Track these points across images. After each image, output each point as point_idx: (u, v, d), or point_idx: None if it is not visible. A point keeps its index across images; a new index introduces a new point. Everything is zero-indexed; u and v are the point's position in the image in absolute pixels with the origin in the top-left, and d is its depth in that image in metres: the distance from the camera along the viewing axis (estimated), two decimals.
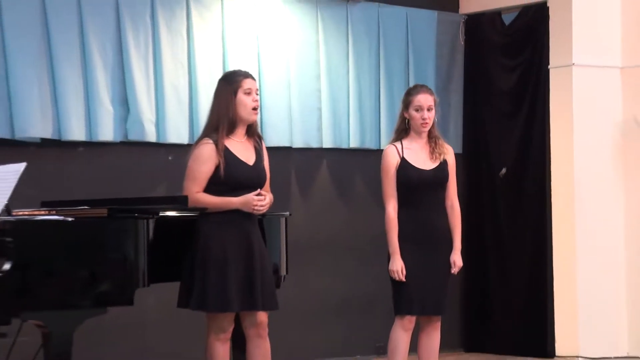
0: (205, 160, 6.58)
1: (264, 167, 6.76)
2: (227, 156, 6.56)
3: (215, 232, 6.56)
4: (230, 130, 6.64)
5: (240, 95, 6.65)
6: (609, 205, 10.26)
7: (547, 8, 10.45)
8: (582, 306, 10.14)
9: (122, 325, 8.59)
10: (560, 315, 10.27)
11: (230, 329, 6.68)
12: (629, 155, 10.26)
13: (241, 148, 6.67)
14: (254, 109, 6.69)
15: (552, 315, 10.31)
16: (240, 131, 6.70)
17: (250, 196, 6.53)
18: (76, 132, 8.95)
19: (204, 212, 6.59)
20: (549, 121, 10.43)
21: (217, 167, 6.54)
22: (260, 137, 6.85)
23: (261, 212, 6.65)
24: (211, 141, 6.59)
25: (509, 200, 10.73)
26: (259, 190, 6.57)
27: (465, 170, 10.94)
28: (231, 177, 6.55)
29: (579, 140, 10.23)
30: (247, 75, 6.76)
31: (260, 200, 6.54)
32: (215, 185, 6.57)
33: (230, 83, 6.71)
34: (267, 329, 6.77)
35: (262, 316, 6.70)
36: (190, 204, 6.59)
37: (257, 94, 6.73)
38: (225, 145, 6.57)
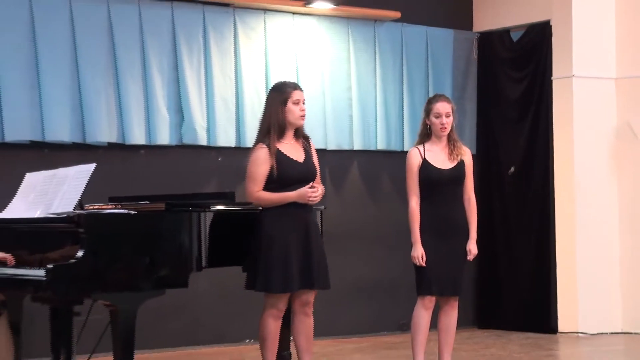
0: (261, 162, 6.61)
1: (313, 163, 6.78)
2: (280, 157, 6.60)
3: (276, 223, 6.58)
4: (281, 134, 6.67)
5: (290, 105, 6.67)
6: (605, 199, 10.22)
7: (550, 26, 10.41)
8: (581, 288, 10.11)
9: (178, 305, 8.69)
10: (562, 296, 10.23)
11: (285, 308, 6.70)
12: (623, 155, 10.22)
13: (291, 149, 6.70)
14: (302, 116, 6.74)
15: (554, 296, 10.27)
16: (289, 134, 6.73)
17: (305, 189, 6.55)
18: (138, 137, 9.06)
19: (264, 207, 6.63)
20: (552, 125, 10.38)
21: (272, 167, 6.58)
22: (307, 139, 6.88)
23: (315, 202, 6.65)
24: (265, 145, 6.62)
25: (516, 194, 10.71)
26: (311, 183, 6.61)
27: (478, 168, 10.86)
28: (285, 174, 6.58)
29: (579, 142, 10.19)
30: (296, 87, 6.79)
31: (314, 191, 6.56)
32: (272, 183, 6.60)
33: (281, 93, 6.73)
34: (312, 308, 6.80)
35: (310, 296, 6.74)
36: (253, 202, 6.65)
37: (304, 103, 6.77)
38: (277, 148, 6.62)
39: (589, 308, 10.12)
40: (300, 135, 6.81)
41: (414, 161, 7.10)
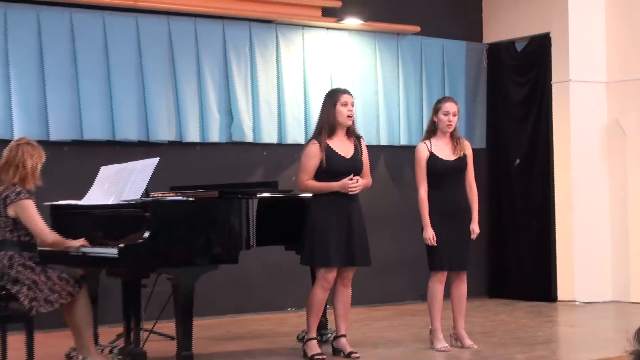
0: (312, 156, 6.67)
1: (360, 159, 6.79)
2: (329, 152, 6.65)
3: (321, 208, 6.65)
4: (331, 132, 6.72)
5: (338, 106, 6.73)
6: (597, 185, 10.17)
7: (550, 38, 10.37)
8: (577, 262, 10.08)
9: (230, 278, 8.72)
10: (560, 270, 10.20)
11: (333, 280, 6.73)
12: (613, 148, 10.17)
13: (341, 145, 6.74)
14: (349, 116, 6.76)
15: (554, 270, 10.25)
16: (340, 132, 6.77)
17: (345, 180, 6.60)
18: (193, 135, 9.12)
19: (314, 194, 6.68)
20: (551, 123, 10.35)
21: (321, 160, 6.63)
22: (359, 137, 6.90)
23: (355, 192, 6.67)
24: (316, 142, 6.69)
25: (521, 183, 10.67)
26: (352, 175, 6.64)
27: (488, 161, 10.97)
28: (331, 166, 6.63)
29: (575, 137, 10.16)
30: (345, 91, 6.83)
31: (353, 183, 6.61)
32: (322, 173, 6.65)
33: (332, 97, 6.80)
34: (350, 280, 6.85)
35: (350, 271, 6.80)
36: (302, 189, 6.73)
37: (352, 106, 6.80)
38: (327, 144, 6.67)
39: (584, 280, 10.10)
40: (352, 134, 6.84)
41: (423, 154, 7.12)
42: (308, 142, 6.83)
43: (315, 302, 6.72)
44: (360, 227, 6.74)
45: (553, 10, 10.34)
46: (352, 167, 6.71)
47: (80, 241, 6.19)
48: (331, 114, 6.73)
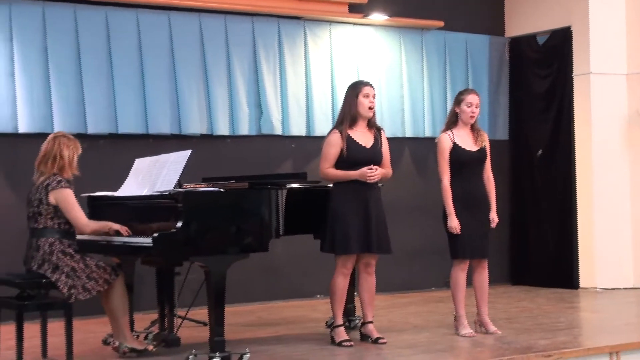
0: (333, 144, 6.66)
1: (380, 150, 6.76)
2: (349, 141, 6.64)
3: (340, 196, 6.63)
4: (353, 123, 6.71)
5: (360, 98, 6.71)
6: (618, 174, 10.08)
7: (571, 31, 10.30)
8: (598, 249, 10.03)
9: (260, 266, 8.74)
10: (582, 257, 10.15)
11: (352, 268, 6.74)
12: (633, 137, 10.08)
13: (362, 136, 6.72)
14: (370, 108, 6.74)
15: (576, 257, 10.19)
16: (362, 124, 6.75)
17: (364, 169, 6.58)
18: (223, 128, 9.14)
19: (334, 183, 6.67)
20: (573, 114, 10.29)
21: (342, 150, 6.62)
22: (379, 129, 6.88)
23: (373, 181, 6.64)
24: (338, 131, 6.69)
25: (543, 172, 10.59)
26: (372, 165, 6.63)
27: (510, 151, 10.92)
28: (351, 156, 6.62)
29: (596, 127, 10.10)
30: (367, 84, 6.81)
31: (372, 172, 6.59)
32: (342, 162, 6.63)
33: (354, 89, 6.78)
34: (374, 268, 6.83)
35: (372, 259, 6.78)
36: (322, 177, 6.70)
37: (373, 98, 6.78)
38: (348, 134, 6.66)
39: (605, 267, 10.03)
40: (373, 125, 6.82)
41: (446, 145, 7.06)
42: (330, 131, 6.81)
43: (337, 289, 6.72)
44: (379, 215, 6.71)
45: (574, 4, 10.28)
46: (372, 156, 6.69)
47: (121, 227, 6.23)
48: (353, 105, 6.72)
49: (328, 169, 6.66)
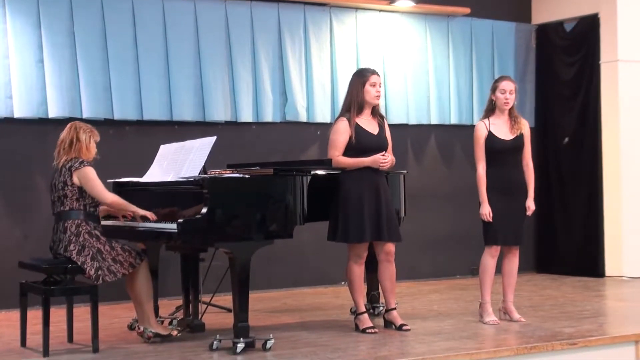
0: (341, 132, 6.65)
1: (385, 137, 6.78)
2: (357, 128, 6.63)
3: (352, 183, 6.60)
4: (359, 111, 6.70)
5: (367, 86, 6.70)
6: None
7: (598, 18, 10.24)
8: (625, 238, 9.98)
9: (285, 253, 8.75)
10: (608, 245, 10.11)
11: (365, 255, 6.72)
12: None
13: (368, 123, 6.72)
14: (377, 96, 6.74)
15: (602, 245, 10.15)
16: (367, 111, 6.75)
17: (377, 156, 6.58)
18: (248, 115, 9.15)
19: (344, 170, 6.63)
20: (600, 102, 10.23)
21: (351, 137, 6.62)
22: (382, 117, 6.89)
23: (385, 168, 6.66)
24: (345, 118, 6.67)
25: (570, 160, 10.55)
26: (384, 152, 6.64)
27: (537, 138, 10.81)
28: (361, 143, 6.61)
29: (623, 114, 10.04)
30: (373, 72, 6.79)
31: (385, 159, 6.59)
32: (351, 150, 6.62)
33: (360, 77, 6.76)
34: (393, 256, 6.80)
35: (390, 246, 6.76)
36: (334, 165, 6.65)
37: (379, 86, 6.77)
38: (355, 122, 6.65)
39: (631, 255, 9.98)
40: (376, 113, 6.82)
41: (481, 133, 7.05)
42: (336, 119, 6.80)
43: (353, 277, 6.72)
44: (389, 202, 6.71)
45: None
46: (379, 143, 6.70)
47: (147, 213, 6.26)
48: (360, 93, 6.71)
49: (338, 156, 6.64)
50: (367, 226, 6.56)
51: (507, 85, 7.06)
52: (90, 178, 6.16)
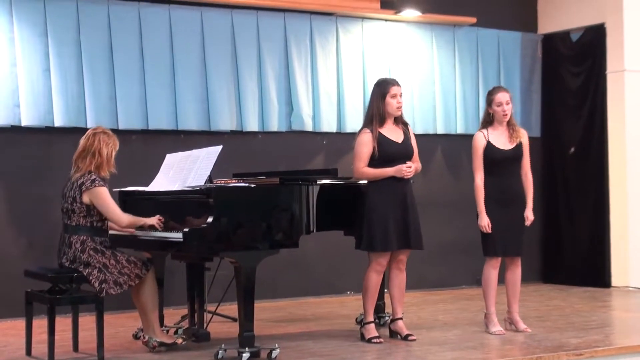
0: (365, 144, 6.66)
1: (411, 144, 6.80)
2: (381, 138, 6.66)
3: (377, 194, 6.63)
4: (382, 122, 6.72)
5: (388, 98, 6.71)
6: None
7: (605, 28, 10.23)
8: (631, 248, 9.95)
9: (290, 262, 8.75)
10: (615, 255, 10.08)
11: (386, 264, 6.74)
12: None
13: (391, 132, 6.74)
14: (398, 108, 6.75)
15: (608, 256, 10.13)
16: (389, 121, 6.76)
17: (400, 165, 6.61)
18: (254, 124, 9.16)
19: (369, 181, 6.66)
20: (606, 111, 10.21)
21: (374, 148, 6.63)
22: (406, 124, 6.89)
23: (409, 177, 6.67)
24: (369, 130, 6.70)
25: (576, 170, 10.52)
26: (407, 162, 6.65)
27: (543, 148, 10.84)
28: (385, 152, 6.63)
29: (630, 124, 10.03)
30: (394, 83, 6.80)
31: (408, 168, 6.62)
32: (375, 160, 6.64)
33: (381, 88, 6.78)
34: (405, 264, 6.83)
35: (404, 255, 6.79)
36: (358, 176, 6.71)
37: (400, 97, 6.77)
38: (379, 132, 6.67)
39: (638, 266, 9.96)
40: (400, 121, 6.84)
41: (480, 144, 7.05)
42: (360, 131, 6.81)
43: (370, 285, 6.72)
44: (415, 210, 6.74)
45: (608, 1, 10.20)
46: (404, 151, 6.73)
47: (155, 218, 6.26)
48: (381, 106, 6.73)
49: (364, 168, 6.66)
50: (392, 235, 6.59)
51: (503, 97, 7.05)
52: (102, 199, 6.11)
